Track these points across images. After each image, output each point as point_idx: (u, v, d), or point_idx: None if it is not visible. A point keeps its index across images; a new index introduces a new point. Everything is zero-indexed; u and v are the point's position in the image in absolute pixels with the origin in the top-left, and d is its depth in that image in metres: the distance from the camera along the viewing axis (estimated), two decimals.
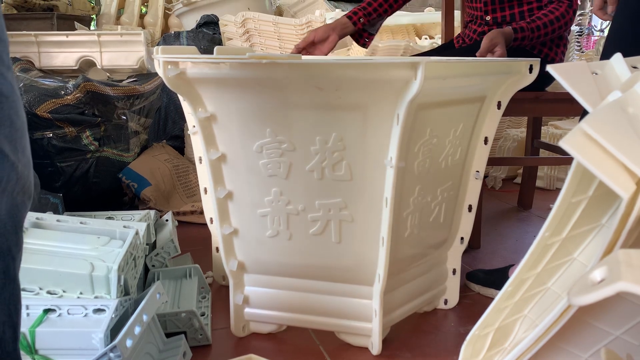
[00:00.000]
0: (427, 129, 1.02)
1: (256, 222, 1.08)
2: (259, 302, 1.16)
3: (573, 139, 0.50)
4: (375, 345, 1.08)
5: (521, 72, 1.14)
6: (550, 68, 0.66)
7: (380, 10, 1.61)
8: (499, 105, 1.18)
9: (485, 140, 1.21)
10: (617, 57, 0.69)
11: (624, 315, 0.62)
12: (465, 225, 1.27)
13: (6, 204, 0.58)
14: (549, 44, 1.56)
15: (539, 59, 1.14)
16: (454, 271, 1.29)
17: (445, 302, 1.30)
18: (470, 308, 1.30)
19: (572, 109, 1.59)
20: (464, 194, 1.24)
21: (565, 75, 0.65)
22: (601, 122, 0.50)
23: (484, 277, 1.38)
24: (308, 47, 1.53)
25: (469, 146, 1.19)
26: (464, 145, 1.16)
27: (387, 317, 1.11)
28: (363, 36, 1.64)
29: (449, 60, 0.98)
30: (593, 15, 4.63)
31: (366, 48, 1.70)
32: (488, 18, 1.59)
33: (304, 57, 1.03)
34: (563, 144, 0.50)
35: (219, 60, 0.95)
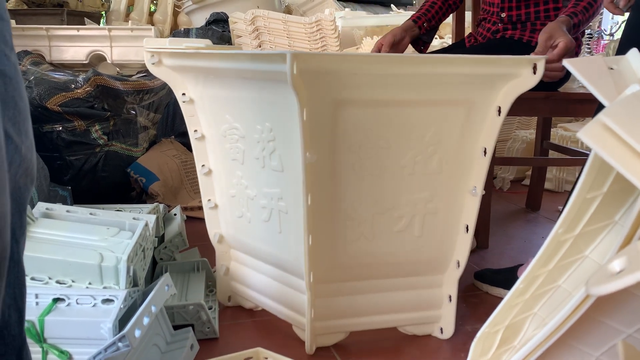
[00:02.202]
0: (362, 129, 0.97)
1: (229, 201, 1.18)
2: (239, 277, 1.24)
3: (592, 130, 0.49)
4: (307, 344, 1.07)
5: (522, 75, 0.97)
6: (566, 62, 0.65)
7: (437, 17, 1.69)
8: (499, 111, 1.02)
9: (485, 152, 1.04)
10: (634, 52, 0.69)
11: (637, 313, 0.61)
12: (462, 247, 1.11)
13: (9, 187, 0.57)
14: None
15: (544, 57, 1.00)
16: (450, 298, 1.13)
17: (441, 330, 1.15)
18: (478, 307, 1.29)
19: (583, 110, 1.58)
20: (458, 212, 1.09)
21: (582, 69, 0.64)
22: (620, 114, 0.50)
23: (492, 277, 1.38)
24: (390, 48, 1.57)
25: (457, 156, 1.04)
26: (444, 154, 1.03)
27: (341, 321, 1.09)
28: (419, 43, 1.70)
29: (330, 55, 0.94)
30: (603, 18, 4.61)
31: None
32: (503, 15, 1.58)
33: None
34: (581, 134, 0.50)
35: (161, 50, 1.11)
